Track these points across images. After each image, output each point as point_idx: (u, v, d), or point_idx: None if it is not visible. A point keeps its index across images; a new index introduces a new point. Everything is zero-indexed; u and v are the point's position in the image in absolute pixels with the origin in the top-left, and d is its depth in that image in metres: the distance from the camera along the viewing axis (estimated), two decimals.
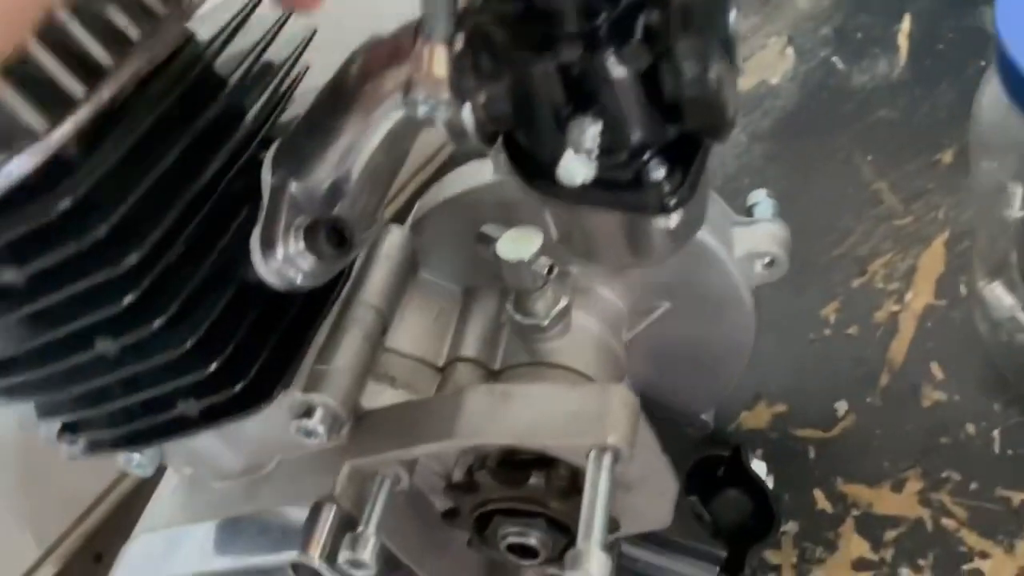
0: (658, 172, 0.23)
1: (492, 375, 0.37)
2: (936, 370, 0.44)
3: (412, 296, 0.39)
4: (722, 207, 0.39)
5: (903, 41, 0.57)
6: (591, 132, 0.22)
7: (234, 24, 0.29)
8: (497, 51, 0.23)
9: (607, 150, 0.23)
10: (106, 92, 0.24)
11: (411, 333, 0.38)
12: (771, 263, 0.37)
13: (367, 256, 0.37)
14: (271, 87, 0.30)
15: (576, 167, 0.22)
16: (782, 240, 0.37)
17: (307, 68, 0.33)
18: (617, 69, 0.21)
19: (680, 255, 0.36)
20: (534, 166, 0.25)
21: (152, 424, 0.30)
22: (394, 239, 0.38)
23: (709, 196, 0.37)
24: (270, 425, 0.33)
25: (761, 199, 0.39)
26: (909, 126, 0.53)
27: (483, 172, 0.37)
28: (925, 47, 0.56)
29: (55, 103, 0.23)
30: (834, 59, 0.59)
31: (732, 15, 0.24)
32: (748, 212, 0.39)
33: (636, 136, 0.23)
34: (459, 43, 0.23)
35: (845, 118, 0.55)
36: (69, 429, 0.33)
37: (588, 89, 0.22)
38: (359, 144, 0.27)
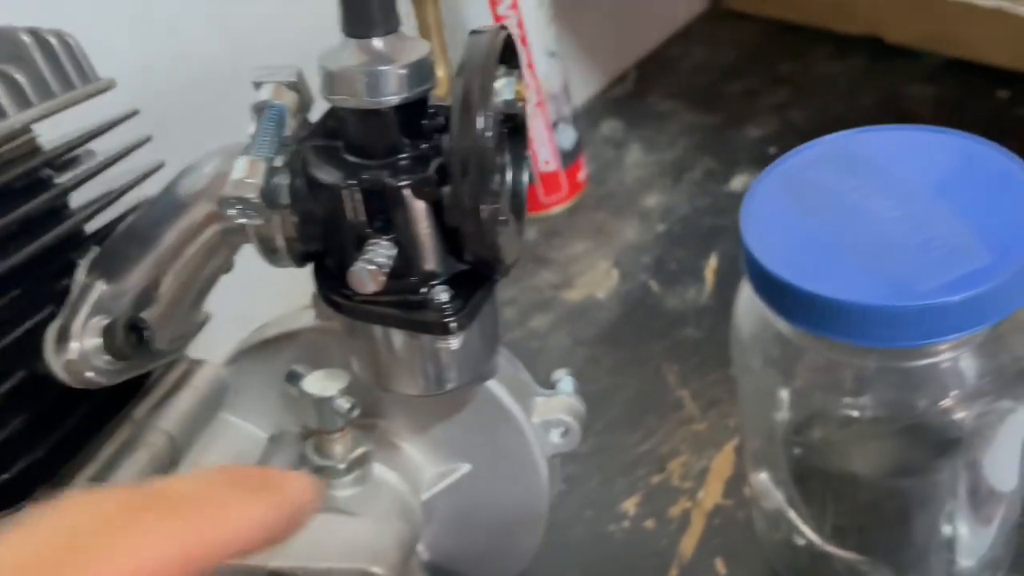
0: (442, 296, 0.26)
1: None
2: (720, 565, 0.47)
3: (213, 435, 0.39)
4: (528, 379, 0.42)
5: (710, 275, 0.65)
6: (384, 250, 0.25)
7: (82, 138, 0.31)
8: (311, 174, 0.26)
9: (400, 274, 0.26)
10: None
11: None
12: (566, 432, 0.39)
13: (174, 384, 0.37)
14: (106, 198, 0.32)
15: (364, 275, 0.24)
16: (577, 412, 0.40)
17: (161, 165, 0.35)
18: (412, 200, 0.25)
19: (482, 415, 0.38)
20: (337, 286, 0.27)
21: None
22: (206, 373, 0.38)
23: (515, 364, 0.40)
24: None
25: (563, 377, 0.42)
26: (710, 345, 0.59)
27: (302, 319, 0.39)
28: (727, 281, 0.64)
29: None
30: (651, 283, 0.66)
31: (525, 177, 0.28)
32: (551, 388, 0.42)
33: (426, 263, 0.26)
34: (278, 162, 0.26)
35: (657, 333, 0.61)
36: None
37: (386, 215, 0.25)
38: (174, 253, 0.29)
